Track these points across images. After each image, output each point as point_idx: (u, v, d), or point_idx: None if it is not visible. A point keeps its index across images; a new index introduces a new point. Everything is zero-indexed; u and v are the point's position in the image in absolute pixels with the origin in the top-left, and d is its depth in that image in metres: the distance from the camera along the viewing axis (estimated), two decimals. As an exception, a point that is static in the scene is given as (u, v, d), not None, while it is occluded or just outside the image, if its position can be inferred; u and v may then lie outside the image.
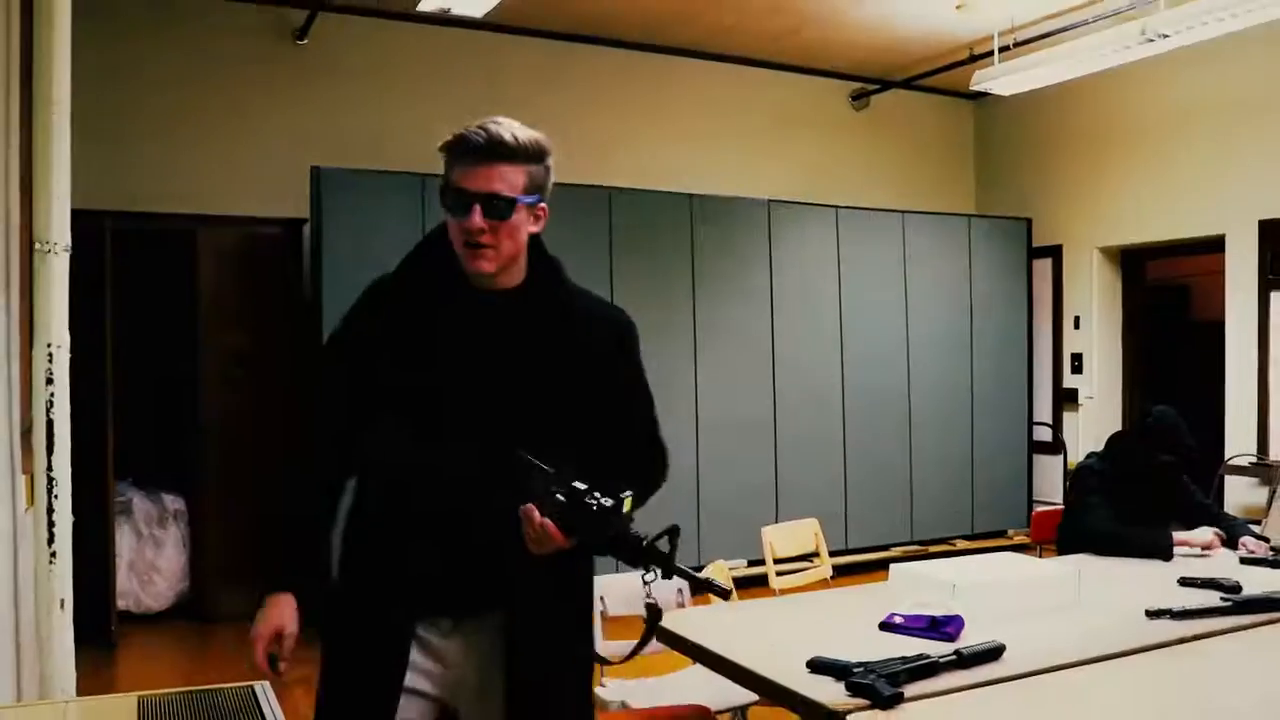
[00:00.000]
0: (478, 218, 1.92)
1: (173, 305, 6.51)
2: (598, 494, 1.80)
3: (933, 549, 7.38)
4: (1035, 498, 8.01)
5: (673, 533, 1.81)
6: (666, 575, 1.81)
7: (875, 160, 8.47)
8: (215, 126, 6.29)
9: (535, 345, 2.02)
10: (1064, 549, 4.08)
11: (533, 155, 1.98)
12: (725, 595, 1.87)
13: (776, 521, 4.29)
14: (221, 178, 6.28)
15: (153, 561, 6.04)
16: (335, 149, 6.29)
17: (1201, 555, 3.72)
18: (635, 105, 7.47)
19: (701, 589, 1.89)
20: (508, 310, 2.03)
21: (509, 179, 1.94)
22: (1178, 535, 3.76)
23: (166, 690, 2.25)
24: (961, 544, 7.59)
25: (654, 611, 1.92)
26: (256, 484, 6.11)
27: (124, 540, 5.92)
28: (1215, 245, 7.17)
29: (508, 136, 1.94)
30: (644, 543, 1.80)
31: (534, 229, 2.03)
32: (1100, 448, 4.19)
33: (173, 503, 6.19)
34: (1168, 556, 3.66)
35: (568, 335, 2.05)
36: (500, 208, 1.93)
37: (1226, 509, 5.14)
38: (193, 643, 5.72)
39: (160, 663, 5.35)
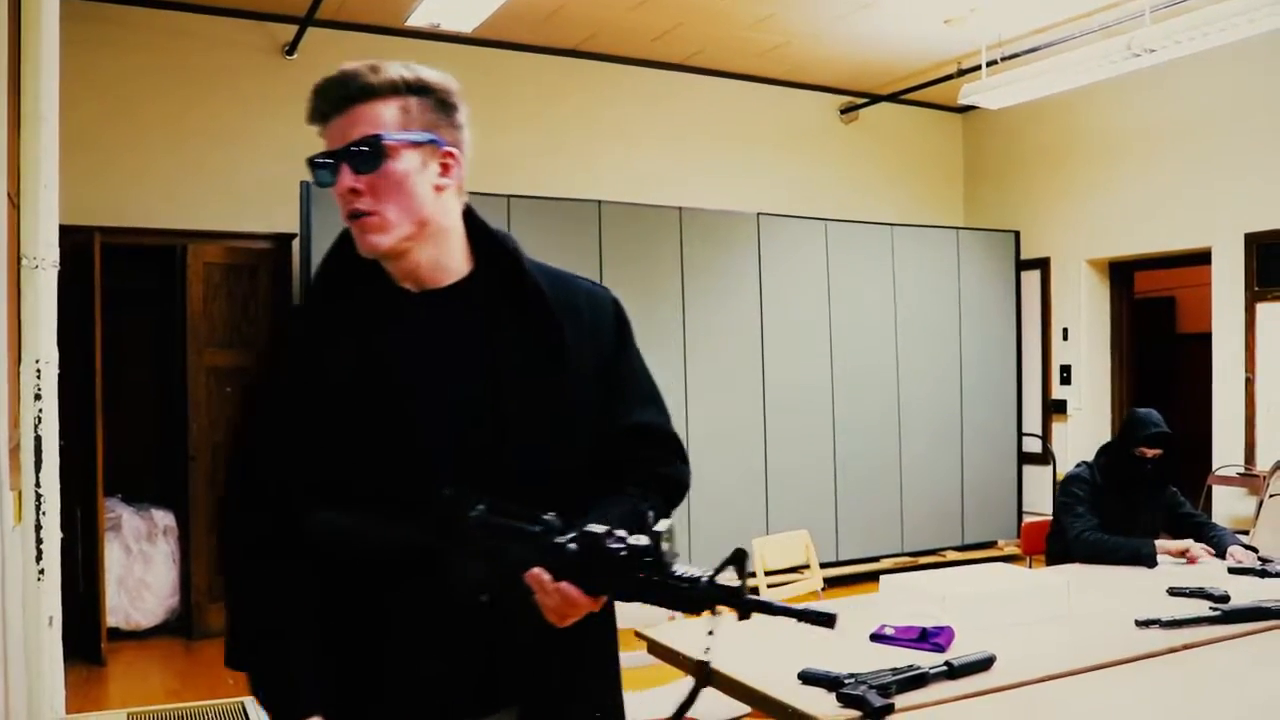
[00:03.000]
0: (346, 176, 1.49)
1: (162, 320, 6.49)
2: (622, 533, 1.36)
3: (923, 560, 7.39)
4: (1025, 509, 8.03)
5: (738, 559, 1.34)
6: (743, 615, 1.34)
7: (864, 173, 8.50)
8: (204, 141, 6.29)
9: (514, 352, 1.56)
10: (1053, 559, 4.09)
11: (406, 86, 1.52)
12: (830, 623, 1.33)
13: (767, 533, 4.28)
14: (211, 192, 6.28)
15: (142, 578, 6.01)
16: (325, 164, 6.29)
17: (1181, 562, 3.74)
18: (624, 119, 7.48)
19: (805, 620, 1.34)
20: (462, 311, 1.57)
21: (374, 118, 1.50)
22: (1159, 544, 3.79)
23: (157, 707, 2.24)
24: (952, 555, 7.59)
25: (704, 671, 1.45)
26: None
27: (113, 556, 5.89)
28: (1202, 258, 7.21)
29: (362, 70, 1.52)
30: (702, 581, 1.33)
31: (442, 182, 1.55)
32: (1089, 458, 4.22)
33: (163, 518, 6.16)
34: (1151, 564, 3.69)
35: (553, 331, 1.59)
36: (367, 154, 1.49)
37: (1215, 519, 5.15)
38: (183, 659, 5.69)
39: (150, 680, 5.31)
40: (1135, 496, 4.02)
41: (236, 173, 6.34)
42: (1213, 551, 3.84)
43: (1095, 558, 3.77)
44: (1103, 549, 3.78)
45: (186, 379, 6.01)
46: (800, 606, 1.34)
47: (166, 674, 5.44)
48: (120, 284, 6.15)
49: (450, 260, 1.58)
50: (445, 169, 1.55)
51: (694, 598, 1.33)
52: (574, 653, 1.55)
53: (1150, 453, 3.97)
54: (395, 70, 1.52)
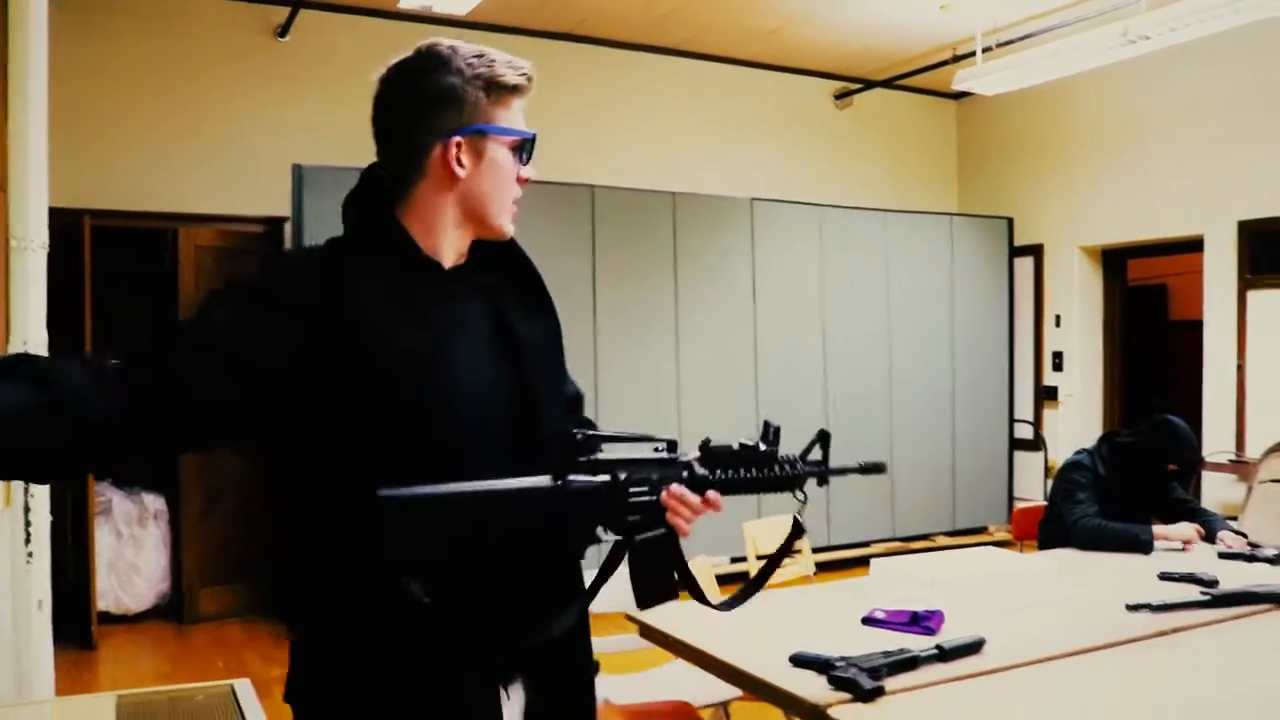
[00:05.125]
0: (531, 167, 1.63)
1: (154, 304, 6.47)
2: (745, 441, 1.71)
3: (914, 545, 7.41)
4: (1016, 494, 8.04)
5: (824, 439, 1.80)
6: (822, 481, 1.77)
7: (858, 159, 8.49)
8: (196, 124, 6.26)
9: (529, 329, 1.60)
10: (1045, 544, 4.10)
11: None
12: (881, 469, 1.83)
13: (759, 518, 4.28)
14: (202, 175, 6.26)
15: (133, 562, 6.00)
16: (318, 146, 6.26)
17: (1181, 550, 3.75)
18: (618, 104, 7.46)
19: (862, 472, 1.87)
20: (480, 288, 1.58)
21: None
22: (1157, 530, 3.79)
23: (146, 689, 2.25)
24: (942, 540, 7.61)
25: (798, 526, 1.82)
26: (237, 484, 6.09)
27: (103, 541, 5.88)
28: (1195, 245, 7.21)
29: None
30: (799, 466, 1.77)
31: None
32: (1083, 444, 4.22)
33: (153, 502, 6.15)
34: (1148, 550, 3.70)
35: (548, 307, 1.67)
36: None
37: (1205, 505, 5.16)
38: (174, 644, 5.69)
39: (141, 663, 5.32)
40: (1139, 490, 4.03)
41: (228, 155, 6.31)
42: (1204, 533, 3.85)
43: (1094, 544, 3.78)
44: (1102, 535, 3.78)
45: (177, 363, 5.98)
46: (855, 464, 1.85)
47: (157, 658, 5.44)
48: (112, 267, 6.12)
49: None
50: None
51: (792, 479, 1.76)
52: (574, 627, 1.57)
53: (1174, 467, 3.99)
54: None
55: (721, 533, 6.30)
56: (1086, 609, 2.84)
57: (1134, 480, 3.99)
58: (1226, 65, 6.85)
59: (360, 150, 6.09)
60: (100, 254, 5.73)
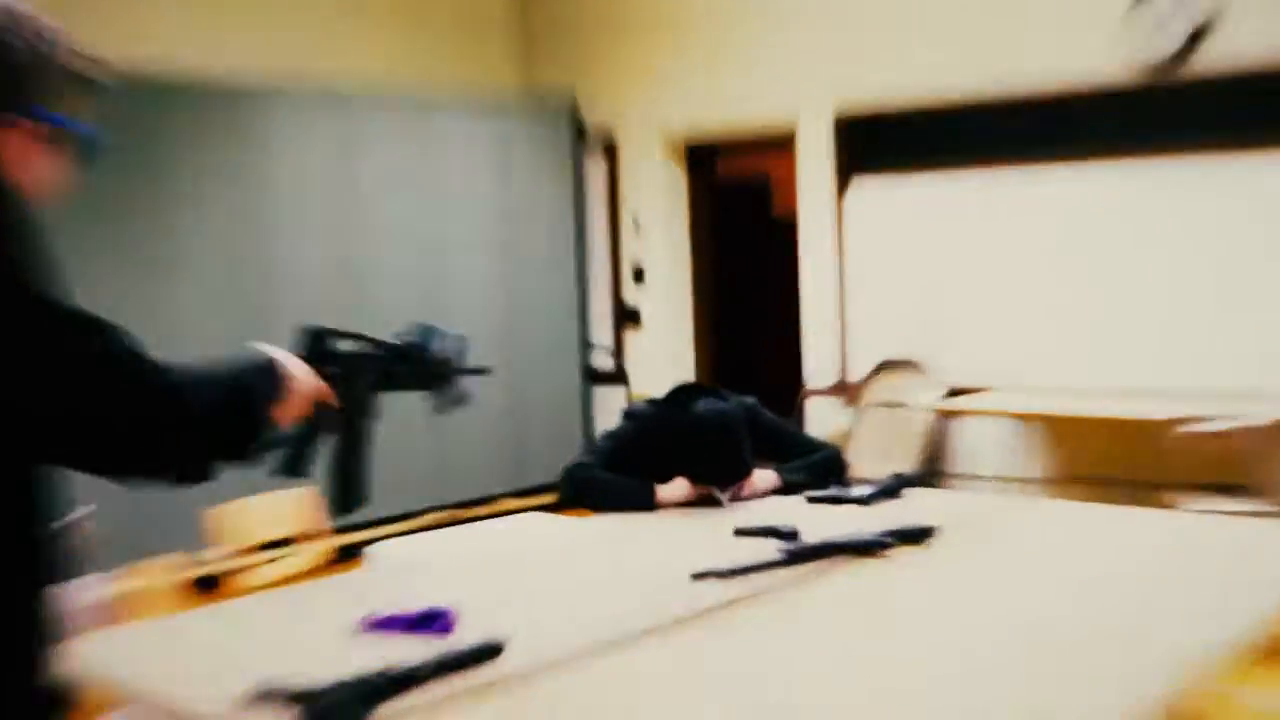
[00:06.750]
0: None
1: None
2: None
3: (475, 511, 7.40)
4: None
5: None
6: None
7: (395, 35, 8.26)
8: None
9: None
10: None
11: None
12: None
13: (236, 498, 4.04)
14: None
15: None
16: None
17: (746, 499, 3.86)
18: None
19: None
20: None
21: None
22: (659, 490, 3.78)
23: None
24: (511, 503, 7.63)
25: None
26: None
27: None
28: (788, 141, 7.59)
29: None
30: None
31: None
32: (676, 375, 4.24)
33: None
34: (649, 508, 3.72)
35: None
36: None
37: (812, 432, 5.43)
38: None
39: None
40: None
41: None
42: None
43: (583, 498, 3.79)
44: (592, 488, 3.80)
45: None
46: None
47: None
48: None
49: None
50: None
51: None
52: None
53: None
54: None
55: (180, 527, 5.90)
56: (645, 584, 2.86)
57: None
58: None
59: None
60: None
